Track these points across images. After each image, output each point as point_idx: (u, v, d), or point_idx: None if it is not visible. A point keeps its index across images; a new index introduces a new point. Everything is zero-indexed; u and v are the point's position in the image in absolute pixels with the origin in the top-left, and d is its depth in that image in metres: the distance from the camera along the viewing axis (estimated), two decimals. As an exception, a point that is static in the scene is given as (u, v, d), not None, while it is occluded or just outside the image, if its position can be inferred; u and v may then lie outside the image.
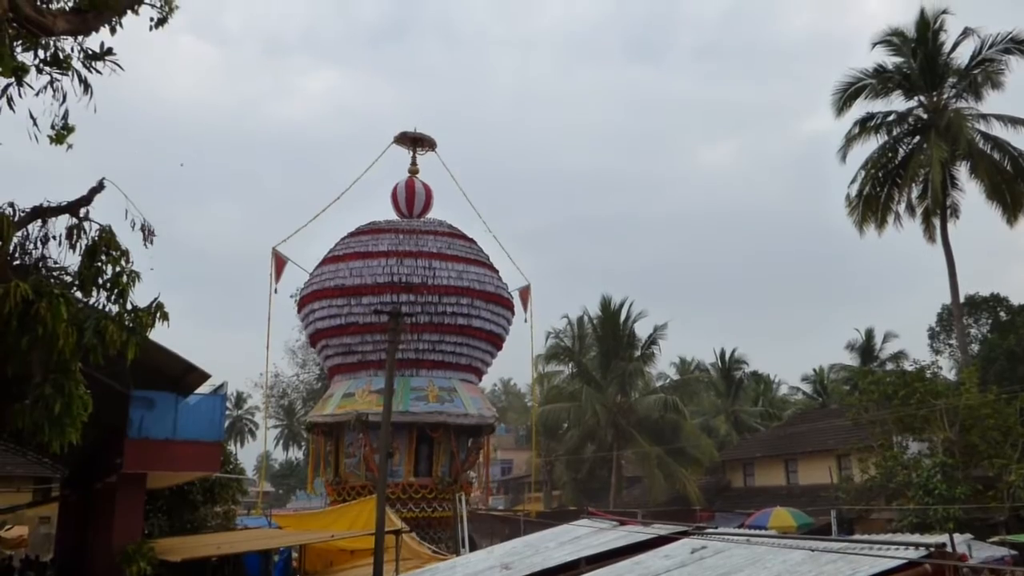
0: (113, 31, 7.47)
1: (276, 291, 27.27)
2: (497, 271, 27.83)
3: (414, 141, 29.25)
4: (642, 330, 41.95)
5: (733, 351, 50.59)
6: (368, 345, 25.65)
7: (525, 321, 29.34)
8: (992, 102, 32.87)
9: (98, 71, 7.44)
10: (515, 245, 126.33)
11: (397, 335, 17.85)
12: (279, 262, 27.24)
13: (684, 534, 9.17)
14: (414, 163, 29.16)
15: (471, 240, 27.86)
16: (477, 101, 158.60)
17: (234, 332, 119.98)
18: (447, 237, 27.02)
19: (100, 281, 7.35)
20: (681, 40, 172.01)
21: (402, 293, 24.63)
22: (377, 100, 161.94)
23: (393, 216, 28.53)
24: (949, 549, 6.77)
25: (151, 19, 7.91)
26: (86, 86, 7.38)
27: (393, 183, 29.01)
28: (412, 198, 28.36)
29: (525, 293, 29.45)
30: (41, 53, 7.26)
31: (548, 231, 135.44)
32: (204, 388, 15.88)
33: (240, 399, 72.13)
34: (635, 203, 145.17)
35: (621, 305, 41.66)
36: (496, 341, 27.69)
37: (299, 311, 27.85)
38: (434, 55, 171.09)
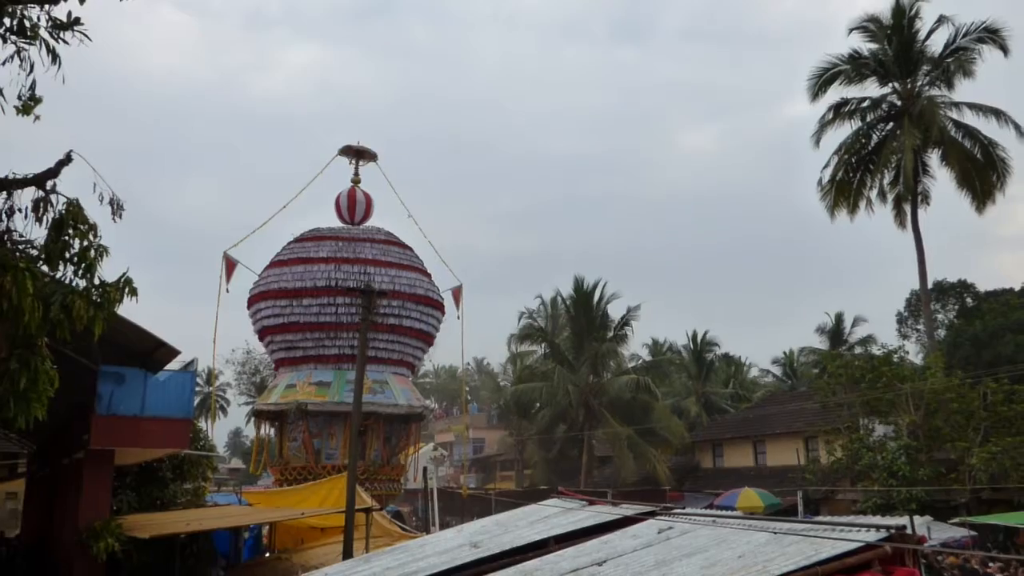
0: (82, 0, 7.30)
1: (228, 291, 28.65)
2: (429, 275, 30.07)
3: (357, 153, 31.15)
4: (615, 311, 42.15)
5: (705, 333, 50.90)
6: (309, 342, 27.87)
7: (458, 318, 31.49)
8: (964, 90, 33.18)
9: (65, 41, 7.27)
10: (496, 225, 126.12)
11: (368, 312, 17.88)
12: (229, 265, 28.55)
13: (652, 515, 9.26)
14: (356, 173, 31.07)
15: (407, 247, 30.03)
16: (461, 79, 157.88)
17: (209, 308, 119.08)
18: (383, 244, 29.14)
19: (67, 255, 7.21)
20: (667, 22, 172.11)
21: (339, 296, 26.75)
22: (359, 75, 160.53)
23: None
24: (909, 532, 6.89)
25: (121, -12, 7.71)
26: (54, 56, 7.22)
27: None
28: (353, 206, 30.44)
29: (457, 293, 31.37)
30: (7, 22, 7.08)
31: (529, 211, 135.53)
32: (174, 364, 15.79)
33: (211, 376, 71.50)
34: (615, 185, 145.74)
35: (595, 286, 41.75)
36: (426, 338, 30.13)
37: (248, 308, 29.54)
38: (418, 32, 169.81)
